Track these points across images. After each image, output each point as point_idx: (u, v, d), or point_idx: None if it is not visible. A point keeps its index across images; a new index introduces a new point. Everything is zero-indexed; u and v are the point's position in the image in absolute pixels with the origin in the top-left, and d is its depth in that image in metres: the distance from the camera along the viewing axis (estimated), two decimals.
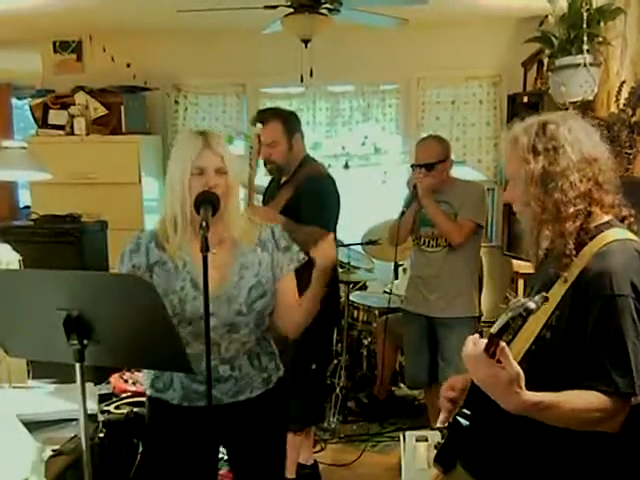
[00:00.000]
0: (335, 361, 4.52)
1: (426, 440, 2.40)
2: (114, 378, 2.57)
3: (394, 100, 5.33)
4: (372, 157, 5.58)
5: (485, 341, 1.36)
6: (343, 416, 4.23)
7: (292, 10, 3.81)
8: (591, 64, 3.12)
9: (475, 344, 1.39)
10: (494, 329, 1.33)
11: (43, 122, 5.16)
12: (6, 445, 1.88)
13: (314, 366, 3.26)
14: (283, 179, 3.24)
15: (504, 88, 5.09)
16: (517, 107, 4.38)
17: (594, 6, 3.14)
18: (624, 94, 3.10)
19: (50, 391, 2.41)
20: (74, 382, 1.65)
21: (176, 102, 5.45)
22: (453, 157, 3.52)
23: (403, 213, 3.38)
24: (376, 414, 4.26)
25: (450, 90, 5.23)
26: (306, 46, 3.94)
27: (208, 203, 1.88)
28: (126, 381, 2.55)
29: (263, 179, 3.50)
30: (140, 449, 2.44)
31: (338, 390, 4.28)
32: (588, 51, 3.10)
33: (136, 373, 2.58)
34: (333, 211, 3.16)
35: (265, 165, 3.23)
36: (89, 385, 2.06)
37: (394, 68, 5.20)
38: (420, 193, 3.30)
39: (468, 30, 5.00)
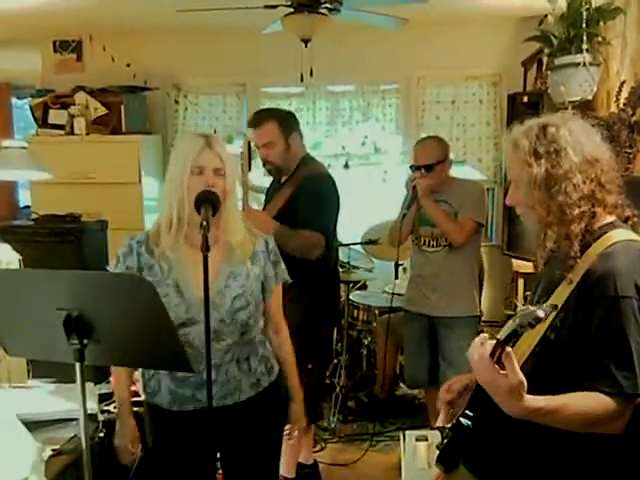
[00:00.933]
0: (335, 361, 4.52)
1: (426, 440, 2.39)
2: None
3: (394, 100, 5.34)
4: (372, 157, 5.58)
5: (492, 344, 1.35)
6: (343, 416, 4.23)
7: (292, 10, 3.81)
8: (591, 64, 3.12)
9: (482, 345, 1.38)
10: (501, 335, 1.33)
11: (43, 122, 5.16)
12: (6, 445, 1.88)
13: (310, 365, 3.27)
14: (283, 179, 3.24)
15: (504, 87, 5.10)
16: (517, 107, 4.38)
17: (593, 6, 3.14)
18: (624, 94, 3.10)
19: (50, 391, 2.42)
20: (74, 382, 1.65)
21: (176, 102, 5.46)
22: (453, 157, 3.52)
23: (404, 215, 3.37)
24: (376, 414, 4.26)
25: (450, 90, 5.24)
26: (306, 46, 3.94)
27: (208, 202, 1.88)
28: None
29: (264, 180, 3.50)
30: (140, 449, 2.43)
31: (338, 390, 4.28)
32: (588, 50, 3.10)
33: (136, 373, 2.57)
34: (333, 210, 3.15)
35: (264, 166, 3.24)
36: (89, 385, 2.06)
37: (394, 68, 5.20)
38: (420, 194, 3.30)
39: (468, 29, 5.00)
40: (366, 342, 4.63)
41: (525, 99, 4.30)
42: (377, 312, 4.60)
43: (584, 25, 3.11)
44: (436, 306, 3.38)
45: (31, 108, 5.28)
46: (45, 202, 4.38)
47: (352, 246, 4.63)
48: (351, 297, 4.65)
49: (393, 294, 3.98)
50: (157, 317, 1.59)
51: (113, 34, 5.23)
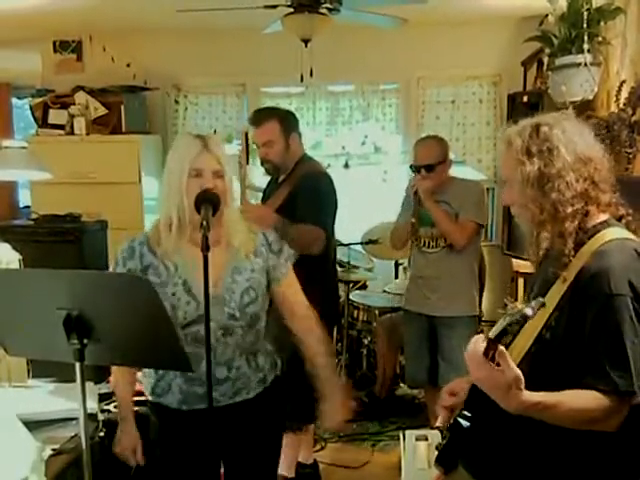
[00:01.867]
0: (335, 360, 4.52)
1: (426, 439, 2.40)
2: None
3: (394, 99, 5.34)
4: (372, 156, 5.59)
5: (484, 343, 1.36)
6: None
7: (292, 10, 3.81)
8: (591, 64, 3.12)
9: (475, 344, 1.39)
10: (492, 334, 1.34)
11: (43, 122, 5.15)
12: (6, 444, 1.88)
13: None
14: (281, 178, 3.24)
15: (504, 87, 5.09)
16: (517, 106, 4.38)
17: (594, 6, 3.14)
18: (624, 94, 3.10)
19: (50, 390, 2.42)
20: (74, 381, 1.65)
21: (176, 102, 5.45)
22: (453, 157, 3.53)
23: (413, 224, 3.36)
24: (376, 413, 4.26)
25: (450, 89, 5.23)
26: (306, 46, 3.94)
27: (209, 202, 1.89)
28: None
29: (262, 179, 3.50)
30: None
31: None
32: (589, 51, 3.10)
33: (139, 373, 2.57)
34: (331, 209, 3.16)
35: (262, 164, 3.24)
36: (89, 384, 2.05)
37: (394, 67, 5.20)
38: (421, 196, 3.30)
39: (468, 29, 5.00)
40: (366, 342, 4.63)
41: (525, 99, 4.30)
42: (377, 312, 4.61)
43: (585, 25, 3.11)
44: (436, 306, 3.39)
45: (31, 108, 5.27)
46: (45, 202, 4.38)
47: (352, 246, 4.63)
48: (351, 297, 4.65)
49: (393, 294, 3.99)
50: (157, 316, 1.59)
51: (113, 34, 5.23)
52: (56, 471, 1.90)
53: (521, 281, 4.39)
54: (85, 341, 1.59)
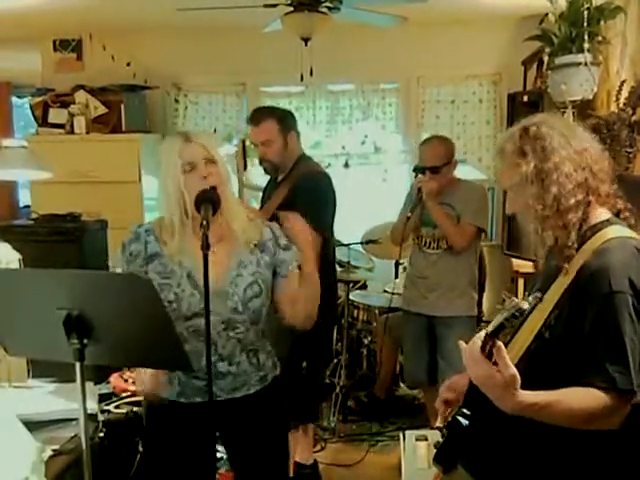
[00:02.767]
0: (335, 360, 4.52)
1: (426, 439, 2.40)
2: (114, 377, 2.56)
3: (394, 99, 5.33)
4: (372, 156, 5.58)
5: (482, 339, 1.37)
6: (343, 415, 4.23)
7: (292, 8, 3.81)
8: (591, 63, 3.12)
9: (473, 341, 1.40)
10: (489, 329, 1.35)
11: (43, 121, 5.15)
12: (6, 445, 1.88)
13: (305, 364, 3.26)
14: (280, 177, 3.24)
15: (504, 87, 5.09)
16: (517, 106, 4.37)
17: (594, 5, 3.14)
18: (624, 93, 3.10)
19: (50, 390, 2.41)
20: (74, 381, 1.65)
21: (176, 101, 5.45)
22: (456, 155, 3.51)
23: (409, 219, 3.35)
24: (376, 413, 4.26)
25: (450, 89, 5.23)
26: (306, 44, 3.94)
27: (208, 202, 1.89)
28: (126, 381, 2.55)
29: (261, 179, 3.50)
30: (140, 449, 2.43)
31: (338, 389, 4.27)
32: (589, 50, 3.10)
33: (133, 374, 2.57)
34: (329, 209, 3.16)
35: (260, 164, 3.24)
36: (89, 384, 2.06)
37: (394, 67, 5.20)
38: (425, 197, 3.29)
39: (468, 28, 5.00)
40: (366, 342, 4.63)
41: (525, 98, 4.29)
42: (377, 312, 4.60)
43: (585, 24, 3.10)
44: (434, 306, 3.39)
45: (31, 107, 5.27)
46: (45, 201, 4.38)
47: (352, 246, 4.62)
48: (351, 297, 4.64)
49: (393, 294, 3.99)
50: (157, 316, 1.59)
51: (113, 33, 5.22)
52: (56, 471, 1.89)
53: (521, 281, 4.39)
54: (85, 341, 1.59)
